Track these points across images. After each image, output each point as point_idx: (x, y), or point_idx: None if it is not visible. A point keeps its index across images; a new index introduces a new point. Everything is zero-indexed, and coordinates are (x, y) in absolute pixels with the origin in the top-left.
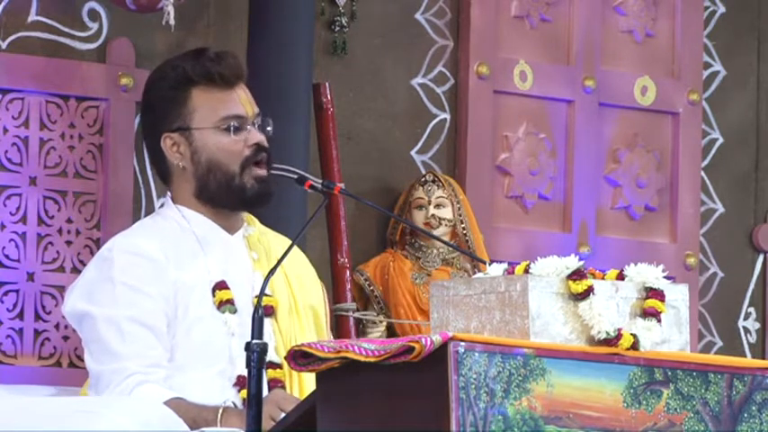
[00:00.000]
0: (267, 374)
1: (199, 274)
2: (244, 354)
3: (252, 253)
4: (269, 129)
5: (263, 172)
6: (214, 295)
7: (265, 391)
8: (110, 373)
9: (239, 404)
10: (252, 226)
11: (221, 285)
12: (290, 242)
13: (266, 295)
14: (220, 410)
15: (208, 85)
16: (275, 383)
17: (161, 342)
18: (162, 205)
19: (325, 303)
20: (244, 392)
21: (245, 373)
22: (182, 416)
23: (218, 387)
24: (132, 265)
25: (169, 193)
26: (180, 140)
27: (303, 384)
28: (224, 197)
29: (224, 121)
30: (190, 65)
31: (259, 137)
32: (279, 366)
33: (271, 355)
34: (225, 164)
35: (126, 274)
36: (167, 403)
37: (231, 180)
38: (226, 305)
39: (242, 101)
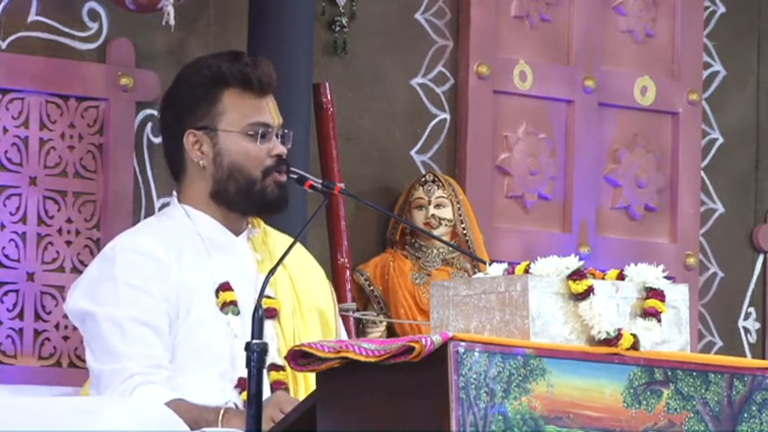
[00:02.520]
0: (270, 377)
1: (202, 275)
2: (245, 355)
3: (256, 254)
4: (289, 145)
5: (283, 177)
6: (218, 296)
7: (267, 394)
8: (110, 374)
9: (240, 406)
10: (256, 227)
11: (225, 287)
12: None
13: (269, 297)
14: (221, 411)
15: (241, 89)
16: (278, 386)
17: (163, 342)
18: (163, 205)
19: (334, 305)
20: (245, 394)
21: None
22: (182, 416)
23: (218, 389)
24: (135, 263)
25: (175, 193)
26: (204, 139)
27: (308, 386)
28: (243, 202)
29: (252, 127)
30: (227, 66)
31: (282, 148)
32: (282, 369)
33: (273, 358)
34: (247, 169)
35: (128, 273)
36: (168, 404)
37: (252, 185)
38: (229, 306)
39: (270, 110)
